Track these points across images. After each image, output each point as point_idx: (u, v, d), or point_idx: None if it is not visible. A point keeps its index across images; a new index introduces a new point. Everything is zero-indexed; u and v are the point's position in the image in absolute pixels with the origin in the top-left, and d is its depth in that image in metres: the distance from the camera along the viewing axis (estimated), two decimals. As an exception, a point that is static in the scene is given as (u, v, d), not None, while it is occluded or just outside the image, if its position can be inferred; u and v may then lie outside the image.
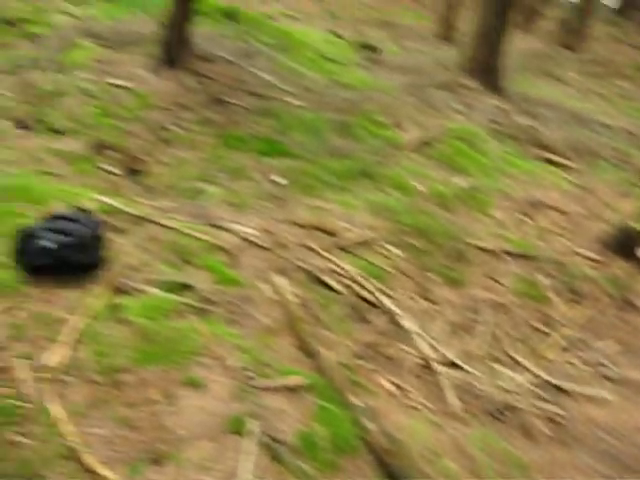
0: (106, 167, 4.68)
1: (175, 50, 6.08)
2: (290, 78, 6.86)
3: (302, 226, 4.55)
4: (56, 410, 2.69)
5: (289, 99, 6.33)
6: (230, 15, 8.21)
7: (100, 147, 4.83)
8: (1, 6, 7.18)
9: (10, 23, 6.63)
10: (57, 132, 4.97)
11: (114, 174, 4.64)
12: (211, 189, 4.69)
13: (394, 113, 6.92)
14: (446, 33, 12.84)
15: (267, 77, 6.59)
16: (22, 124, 5.00)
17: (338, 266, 4.24)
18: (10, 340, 3.02)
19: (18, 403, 2.70)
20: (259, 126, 5.70)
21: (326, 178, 5.34)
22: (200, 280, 3.57)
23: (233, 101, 5.91)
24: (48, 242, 3.26)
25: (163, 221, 3.96)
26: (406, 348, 3.89)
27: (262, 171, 5.17)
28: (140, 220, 3.93)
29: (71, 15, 7.18)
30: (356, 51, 9.63)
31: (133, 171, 4.71)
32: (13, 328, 3.07)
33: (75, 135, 4.97)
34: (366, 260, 4.45)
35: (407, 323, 4.05)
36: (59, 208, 3.79)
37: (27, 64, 5.71)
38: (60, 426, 2.63)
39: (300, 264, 4.10)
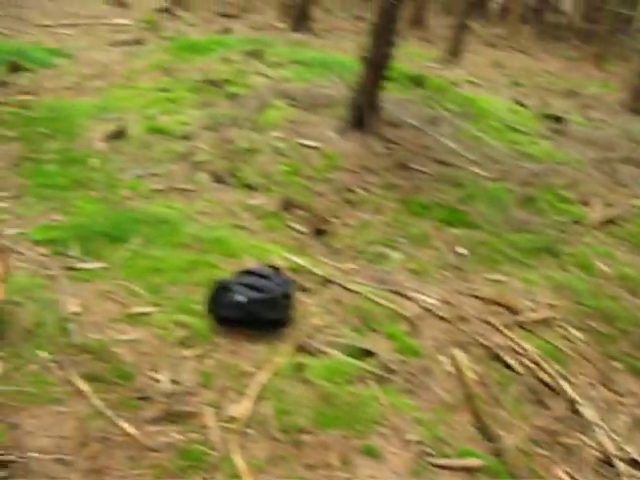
0: (293, 225, 4.84)
1: (364, 114, 6.23)
2: (474, 146, 6.84)
3: (482, 300, 4.47)
4: (239, 461, 2.76)
5: (473, 168, 6.30)
6: (416, 81, 8.34)
7: (288, 205, 5.01)
8: (208, 68, 7.74)
9: (214, 83, 7.10)
10: (250, 187, 5.23)
11: (301, 232, 4.79)
12: (393, 254, 4.72)
13: (579, 188, 6.69)
14: (635, 104, 12.33)
15: (451, 144, 6.60)
16: (218, 178, 5.30)
17: (517, 344, 4.11)
18: (199, 387, 3.16)
19: (205, 449, 2.80)
20: (442, 194, 5.70)
21: (508, 251, 5.23)
22: (381, 347, 3.58)
23: (417, 167, 5.96)
24: (240, 296, 3.40)
25: (347, 284, 4.02)
26: (585, 439, 3.67)
27: (443, 240, 5.15)
28: (325, 281, 4.02)
29: (267, 77, 7.58)
30: (540, 121, 9.43)
31: (319, 231, 4.83)
32: (202, 375, 3.21)
33: (266, 191, 5.20)
34: (546, 340, 4.28)
35: (587, 412, 3.83)
36: (251, 263, 3.96)
37: (226, 122, 6.07)
38: (243, 478, 2.69)
39: (480, 339, 4.01)
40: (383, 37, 6.20)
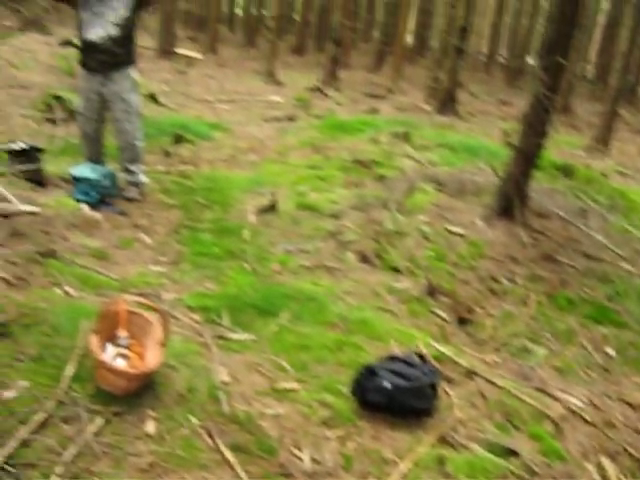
0: (437, 311, 4.84)
1: (511, 203, 6.20)
2: (624, 241, 6.62)
3: (632, 406, 4.26)
4: None
5: (623, 264, 6.09)
6: (565, 171, 8.23)
7: (433, 290, 5.03)
8: (357, 148, 8.00)
9: (363, 164, 7.32)
10: (395, 270, 5.29)
11: (444, 320, 4.78)
12: (537, 349, 4.62)
13: None
14: None
15: (600, 238, 6.43)
16: (364, 258, 5.41)
17: (671, 458, 3.87)
18: (340, 469, 3.18)
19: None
20: (590, 289, 5.54)
21: (659, 355, 4.98)
22: (525, 447, 3.48)
23: (564, 260, 5.84)
24: (386, 382, 3.43)
25: (491, 377, 3.97)
26: None
27: (590, 338, 4.98)
28: (469, 373, 3.98)
29: (414, 160, 7.73)
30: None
31: (462, 319, 4.81)
32: (344, 458, 3.23)
33: (411, 275, 5.25)
34: None
35: None
36: (396, 348, 3.99)
37: (374, 203, 6.21)
38: None
39: (629, 449, 3.81)
40: (535, 127, 6.19)
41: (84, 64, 6.13)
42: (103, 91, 6.11)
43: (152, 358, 3.47)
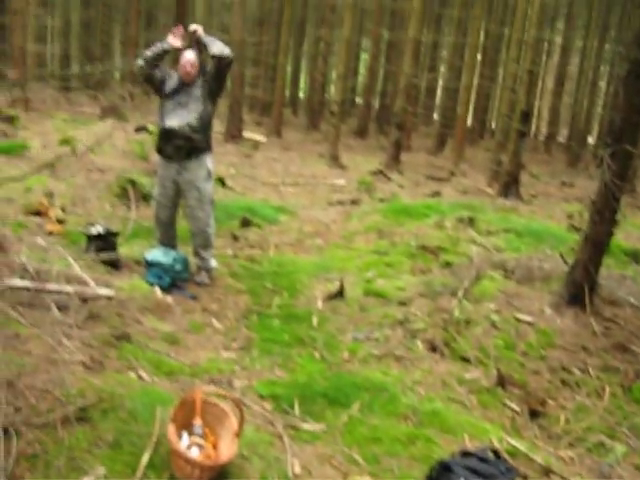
0: (508, 403, 4.76)
1: (581, 291, 6.12)
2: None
3: None
4: None
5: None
6: (634, 256, 8.11)
7: (503, 381, 4.96)
8: (422, 233, 8.07)
9: (429, 250, 7.36)
10: (464, 360, 5.25)
11: (515, 412, 4.70)
12: (615, 446, 4.47)
13: None
14: None
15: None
16: (433, 347, 5.39)
17: None
18: None
19: None
20: (667, 381, 5.37)
21: None
22: None
23: (638, 350, 5.69)
24: (462, 479, 3.37)
25: (568, 476, 3.86)
26: None
27: (669, 434, 4.80)
28: (545, 471, 3.88)
29: (480, 245, 7.74)
30: None
31: (534, 412, 4.71)
32: None
33: (480, 365, 5.19)
34: None
35: None
36: (469, 442, 3.93)
37: (441, 290, 6.21)
38: None
39: None
40: (603, 214, 6.15)
41: (161, 151, 6.41)
42: (178, 179, 6.36)
43: (226, 449, 3.50)
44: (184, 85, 6.26)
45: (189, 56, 6.23)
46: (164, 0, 26.11)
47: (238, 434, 3.52)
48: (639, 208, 16.14)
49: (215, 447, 3.58)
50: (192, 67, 6.22)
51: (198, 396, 3.58)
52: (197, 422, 3.55)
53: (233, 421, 3.58)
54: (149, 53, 6.23)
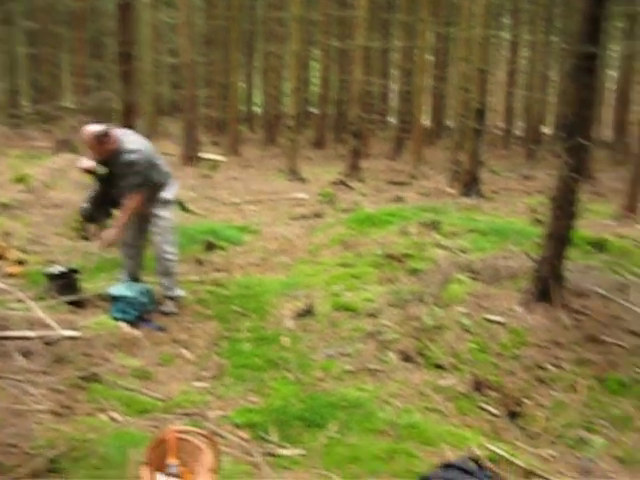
0: (486, 407, 4.75)
1: (548, 285, 6.15)
2: (668, 313, 6.49)
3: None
4: None
5: (670, 339, 5.96)
6: (597, 245, 8.17)
7: (479, 385, 4.95)
8: (387, 241, 8.04)
9: (395, 258, 7.34)
10: (438, 367, 5.23)
11: (494, 415, 4.69)
12: (594, 439, 4.48)
13: None
14: None
15: (643, 313, 6.31)
16: (406, 357, 5.35)
17: None
18: None
19: None
20: (640, 369, 5.40)
21: None
22: None
23: (610, 340, 5.73)
24: (447, 494, 3.34)
25: (550, 477, 3.84)
26: None
27: (649, 423, 4.83)
28: (527, 473, 3.86)
29: (445, 248, 7.73)
30: None
31: (512, 413, 4.71)
32: None
33: (455, 371, 5.18)
34: None
35: None
36: (449, 453, 3.89)
37: (410, 298, 6.19)
38: None
39: None
40: (564, 209, 6.20)
41: None
42: (138, 209, 6.27)
43: (204, 485, 3.42)
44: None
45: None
46: (109, 26, 25.87)
47: (215, 470, 3.44)
48: (599, 194, 16.35)
49: (193, 484, 3.50)
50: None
51: (171, 435, 3.49)
52: (171, 462, 3.46)
53: (209, 457, 3.50)
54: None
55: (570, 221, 6.22)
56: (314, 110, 29.48)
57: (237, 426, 4.42)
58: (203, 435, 3.54)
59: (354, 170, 16.93)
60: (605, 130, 30.66)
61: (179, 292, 6.57)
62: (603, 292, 6.57)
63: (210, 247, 8.77)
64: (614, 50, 30.36)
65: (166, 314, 6.37)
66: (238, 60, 23.31)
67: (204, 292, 7.08)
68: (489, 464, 3.80)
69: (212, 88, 26.19)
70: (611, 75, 30.74)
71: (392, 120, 29.52)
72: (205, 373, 5.32)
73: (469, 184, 14.60)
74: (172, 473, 3.45)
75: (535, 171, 19.40)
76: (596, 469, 4.12)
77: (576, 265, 6.96)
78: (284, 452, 4.10)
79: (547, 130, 30.27)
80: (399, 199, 13.25)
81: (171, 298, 6.48)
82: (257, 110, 34.26)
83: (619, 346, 5.69)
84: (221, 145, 22.52)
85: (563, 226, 6.20)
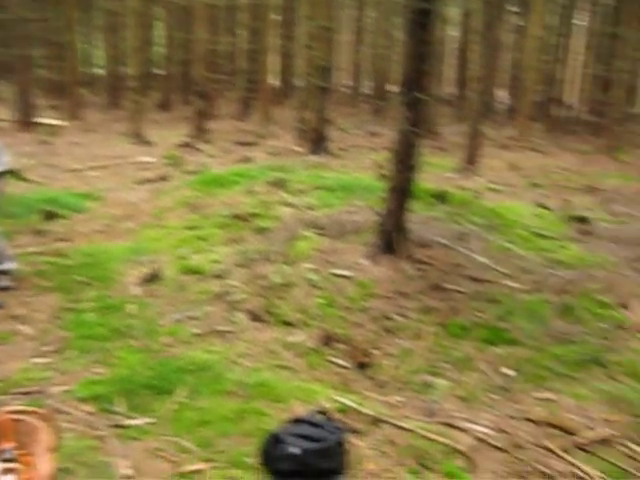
0: (335, 360, 4.81)
1: (393, 238, 6.30)
2: (505, 259, 6.84)
3: (535, 422, 4.35)
4: None
5: (506, 282, 6.29)
6: (439, 197, 8.45)
7: (328, 339, 5.00)
8: (234, 202, 7.93)
9: (241, 218, 7.25)
10: (287, 324, 5.23)
11: (343, 367, 4.76)
12: (439, 382, 4.65)
13: (618, 291, 6.62)
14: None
15: (482, 259, 6.62)
16: (255, 316, 5.32)
17: (579, 469, 3.97)
18: None
19: None
20: (480, 312, 5.66)
21: (553, 367, 5.13)
22: (439, 488, 3.48)
23: (452, 287, 5.96)
24: (294, 448, 3.32)
25: (397, 422, 3.95)
26: None
27: (488, 361, 5.08)
28: (375, 420, 3.95)
29: (293, 206, 7.73)
30: (566, 223, 9.49)
31: (361, 364, 4.80)
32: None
33: (304, 327, 5.20)
34: (609, 462, 4.12)
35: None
36: (299, 408, 3.91)
37: (257, 257, 6.15)
38: None
39: (539, 467, 3.88)
40: (405, 162, 6.34)
41: None
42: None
43: (43, 466, 3.24)
44: None
45: None
46: None
47: (54, 448, 3.26)
48: (441, 149, 16.97)
49: (32, 467, 3.31)
50: None
51: (4, 418, 3.27)
52: (6, 446, 3.25)
53: (47, 435, 3.31)
54: None
55: (411, 174, 6.37)
56: (159, 71, 28.56)
57: (81, 400, 4.23)
58: (39, 413, 3.34)
59: (201, 132, 16.61)
60: (448, 87, 31.84)
61: (10, 265, 6.17)
62: (445, 242, 6.82)
63: (50, 216, 8.32)
64: (455, 9, 31.35)
65: (2, 289, 5.99)
66: (74, 17, 22.05)
67: (44, 263, 6.71)
68: (337, 415, 3.84)
69: (49, 48, 24.69)
70: (452, 35, 31.84)
71: (239, 80, 29.16)
72: (46, 348, 5.04)
73: (317, 142, 14.69)
74: (7, 458, 3.25)
75: (382, 128, 19.81)
76: (440, 410, 4.28)
77: (419, 217, 7.16)
78: (132, 422, 3.97)
79: (393, 87, 30.96)
80: (247, 159, 13.13)
81: (3, 272, 6.09)
82: (99, 72, 32.76)
83: (460, 292, 5.94)
84: (61, 109, 21.35)
85: (404, 179, 6.34)
